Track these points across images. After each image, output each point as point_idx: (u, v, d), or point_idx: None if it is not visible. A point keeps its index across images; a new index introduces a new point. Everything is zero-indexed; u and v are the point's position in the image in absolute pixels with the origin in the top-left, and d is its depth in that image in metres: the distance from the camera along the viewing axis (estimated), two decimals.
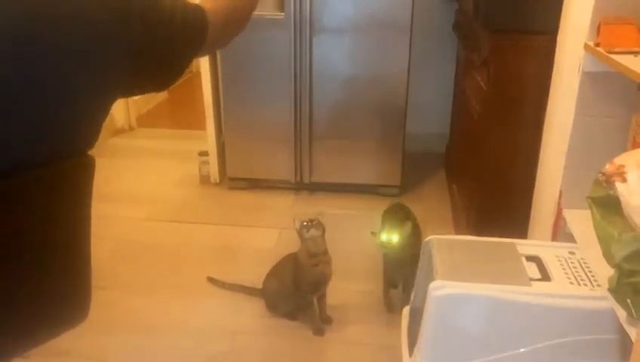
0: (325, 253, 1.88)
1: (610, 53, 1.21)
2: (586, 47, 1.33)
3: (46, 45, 0.67)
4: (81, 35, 0.70)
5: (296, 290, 1.93)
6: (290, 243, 2.03)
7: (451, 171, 3.01)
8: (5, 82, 0.65)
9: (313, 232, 1.83)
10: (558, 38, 1.61)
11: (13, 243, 0.72)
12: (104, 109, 0.80)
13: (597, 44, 1.29)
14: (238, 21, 1.03)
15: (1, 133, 0.67)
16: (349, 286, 2.15)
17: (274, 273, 2.02)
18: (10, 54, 0.65)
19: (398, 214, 2.08)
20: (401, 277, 1.92)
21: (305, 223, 1.84)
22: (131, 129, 3.94)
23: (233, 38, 1.03)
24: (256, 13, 1.08)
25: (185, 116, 4.10)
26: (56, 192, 0.77)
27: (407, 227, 1.83)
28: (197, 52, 0.93)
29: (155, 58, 0.82)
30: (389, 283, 1.95)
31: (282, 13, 2.67)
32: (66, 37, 0.69)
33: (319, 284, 1.92)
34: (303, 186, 3.00)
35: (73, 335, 0.90)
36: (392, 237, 1.81)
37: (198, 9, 0.91)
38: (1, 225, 0.70)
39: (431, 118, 3.43)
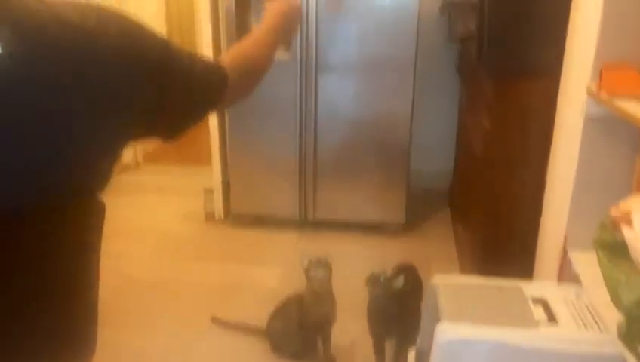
0: (330, 293, 1.88)
1: (612, 98, 1.23)
2: (589, 91, 1.35)
3: (63, 87, 0.68)
4: (97, 80, 0.71)
5: (301, 330, 1.91)
6: (295, 281, 2.02)
7: (456, 209, 3.01)
8: (21, 122, 0.66)
9: (320, 272, 1.83)
10: (561, 81, 1.63)
11: (14, 282, 0.72)
12: (115, 153, 0.80)
13: (599, 89, 1.31)
14: (253, 79, 1.06)
15: (10, 171, 0.68)
16: (353, 326, 2.13)
17: (278, 313, 2.01)
18: (27, 95, 0.66)
19: (398, 269, 2.02)
20: (390, 333, 1.84)
21: (312, 262, 1.84)
22: (137, 165, 3.97)
23: (247, 96, 1.06)
24: None
25: (191, 153, 4.13)
26: (63, 232, 0.77)
27: (398, 280, 1.76)
28: (214, 106, 0.95)
29: (170, 108, 0.83)
30: (378, 336, 1.87)
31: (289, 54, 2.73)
32: (82, 81, 0.69)
33: (323, 325, 1.90)
34: (307, 223, 3.01)
35: None
36: (379, 275, 1.77)
37: (217, 65, 0.93)
38: (4, 264, 0.70)
39: (434, 156, 3.46)
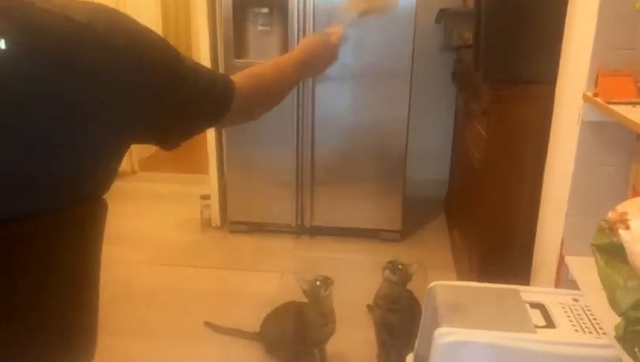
0: (333, 311, 1.87)
1: (608, 103, 1.25)
2: (585, 97, 1.37)
3: (67, 86, 0.67)
4: (102, 80, 0.71)
5: (299, 343, 1.90)
6: (291, 288, 2.02)
7: (452, 216, 3.02)
8: (20, 119, 0.65)
9: (331, 290, 1.82)
10: (557, 88, 1.65)
11: (18, 289, 0.71)
12: (117, 156, 0.80)
13: (595, 95, 1.32)
14: (263, 104, 1.02)
15: (14, 178, 0.67)
16: (350, 333, 2.13)
17: (273, 317, 2.00)
18: (29, 92, 0.65)
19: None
20: (396, 329, 1.87)
21: (319, 282, 1.81)
22: (133, 172, 3.96)
23: (254, 119, 1.01)
24: None
25: (187, 160, 4.13)
26: (67, 237, 0.76)
27: (414, 266, 1.85)
28: (216, 121, 0.93)
29: (173, 113, 0.83)
30: (385, 325, 1.91)
31: None
32: (87, 80, 0.69)
33: (323, 342, 1.90)
34: (303, 230, 3.01)
35: None
36: (397, 263, 1.84)
37: (227, 80, 0.91)
38: (7, 271, 0.70)
39: (430, 164, 3.47)
